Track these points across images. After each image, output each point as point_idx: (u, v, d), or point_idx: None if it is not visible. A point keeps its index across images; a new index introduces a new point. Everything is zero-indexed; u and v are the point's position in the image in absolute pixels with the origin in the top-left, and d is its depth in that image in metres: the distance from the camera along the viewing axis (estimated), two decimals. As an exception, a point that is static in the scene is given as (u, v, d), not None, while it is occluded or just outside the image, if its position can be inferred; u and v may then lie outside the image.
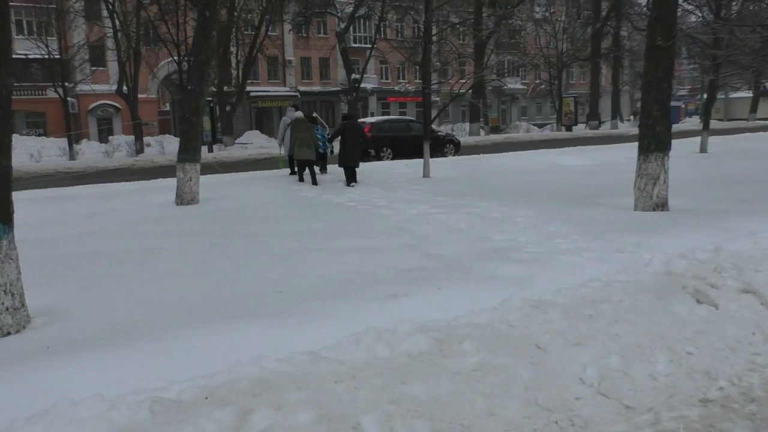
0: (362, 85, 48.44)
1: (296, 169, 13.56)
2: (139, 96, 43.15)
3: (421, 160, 13.99)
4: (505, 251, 6.11)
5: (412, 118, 31.68)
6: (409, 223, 8.02)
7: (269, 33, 43.02)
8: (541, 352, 3.62)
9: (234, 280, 5.39)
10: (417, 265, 5.77)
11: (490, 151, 22.65)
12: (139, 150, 31.61)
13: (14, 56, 29.00)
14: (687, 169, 13.43)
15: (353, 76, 38.13)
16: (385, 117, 32.89)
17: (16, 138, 31.82)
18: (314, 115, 15.35)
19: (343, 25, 38.32)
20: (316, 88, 48.94)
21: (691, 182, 11.17)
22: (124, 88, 31.90)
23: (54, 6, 36.10)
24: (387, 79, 51.72)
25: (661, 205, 8.37)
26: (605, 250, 5.96)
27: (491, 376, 3.31)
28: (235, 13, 33.30)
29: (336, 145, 14.09)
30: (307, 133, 13.14)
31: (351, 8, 37.36)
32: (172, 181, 12.08)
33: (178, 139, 12.12)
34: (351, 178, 13.06)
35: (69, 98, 41.16)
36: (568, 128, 39.34)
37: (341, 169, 13.23)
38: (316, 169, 13.50)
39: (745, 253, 5.50)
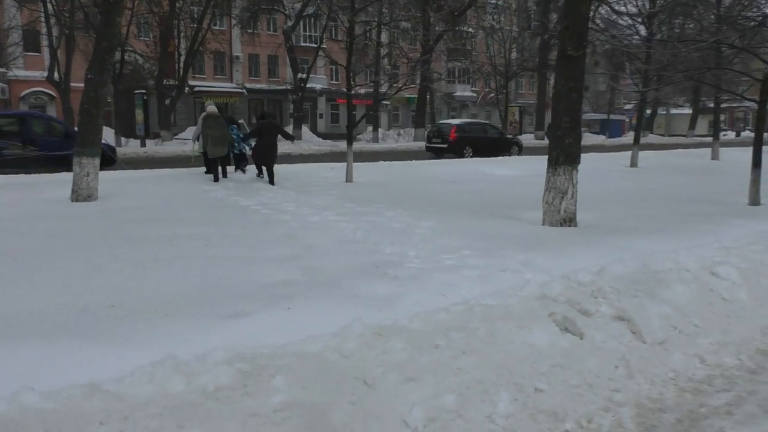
0: (311, 85, 47.89)
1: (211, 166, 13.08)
2: (78, 85, 41.77)
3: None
4: (387, 266, 5.69)
5: (488, 122, 33.34)
6: (304, 231, 7.55)
7: (215, 27, 42.08)
8: (366, 389, 3.19)
9: (73, 290, 4.82)
10: (286, 279, 5.29)
11: (423, 158, 22.42)
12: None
13: None
14: (611, 183, 13.38)
15: (299, 75, 37.50)
16: (467, 120, 33.25)
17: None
18: (240, 121, 15.13)
19: (290, 23, 37.65)
20: (263, 85, 48.01)
21: (610, 196, 11.03)
22: (56, 75, 30.53)
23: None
24: (337, 80, 51.13)
25: (569, 220, 8.10)
26: (490, 268, 5.60)
27: (295, 418, 2.85)
28: (178, 4, 32.37)
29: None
30: (219, 130, 12.78)
31: (299, 6, 36.74)
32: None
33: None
34: (270, 178, 12.88)
35: (0, 83, 39.44)
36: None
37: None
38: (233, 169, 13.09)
39: (630, 275, 5.21)
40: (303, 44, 46.12)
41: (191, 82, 45.23)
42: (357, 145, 34.82)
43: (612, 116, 47.28)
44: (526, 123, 53.42)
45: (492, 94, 46.99)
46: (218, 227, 7.77)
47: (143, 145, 29.25)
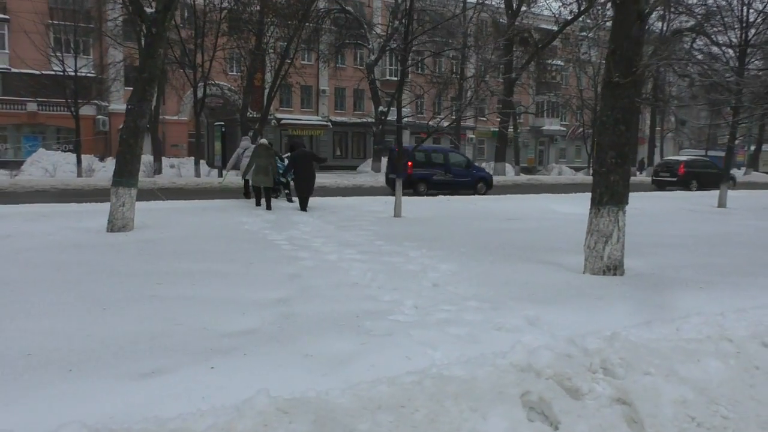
0: (394, 118, 47.92)
1: (252, 193, 14.03)
2: (170, 118, 43.78)
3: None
4: (370, 317, 4.99)
5: (708, 159, 33.55)
6: (312, 271, 6.96)
7: (303, 62, 43.05)
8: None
9: (7, 333, 4.42)
10: (248, 328, 4.70)
11: (505, 192, 21.53)
12: (157, 171, 31.46)
13: (49, 72, 29.43)
14: (687, 225, 12.03)
15: (380, 108, 37.46)
16: (695, 156, 35.56)
17: (41, 152, 32.10)
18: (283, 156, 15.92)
19: (373, 57, 37.87)
20: (348, 118, 48.51)
21: (680, 240, 9.79)
22: (147, 108, 31.82)
23: (92, 26, 36.86)
24: (422, 113, 50.87)
25: (614, 268, 7.08)
26: (485, 325, 4.78)
27: None
28: (264, 39, 33.18)
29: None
30: (267, 160, 13.06)
31: (382, 40, 36.91)
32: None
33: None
34: (303, 205, 13.46)
35: (101, 116, 41.92)
36: (599, 173, 37.69)
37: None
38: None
39: (651, 343, 4.25)
40: (390, 78, 46.35)
41: (278, 115, 46.51)
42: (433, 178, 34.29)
43: (712, 152, 44.24)
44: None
45: (581, 129, 45.18)
46: (227, 263, 7.32)
47: (220, 175, 29.91)
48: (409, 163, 21.67)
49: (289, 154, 15.27)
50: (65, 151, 38.24)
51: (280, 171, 14.30)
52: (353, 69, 47.17)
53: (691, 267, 7.43)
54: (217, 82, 35.75)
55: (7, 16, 38.16)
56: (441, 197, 17.29)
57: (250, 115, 36.42)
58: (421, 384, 3.38)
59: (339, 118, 48.19)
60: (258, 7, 30.77)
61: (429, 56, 33.06)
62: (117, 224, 10.15)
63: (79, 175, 27.62)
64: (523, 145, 52.79)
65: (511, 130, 40.30)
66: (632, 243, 8.99)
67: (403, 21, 31.54)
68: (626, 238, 9.67)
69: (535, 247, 8.74)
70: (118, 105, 41.33)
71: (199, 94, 30.52)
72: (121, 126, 38.69)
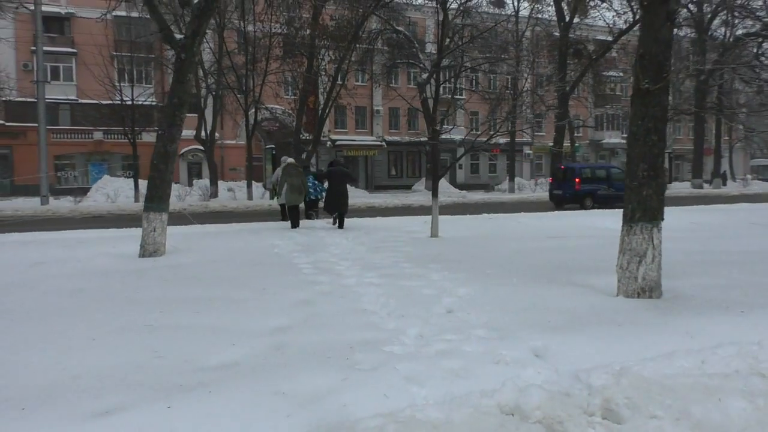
0: (450, 137, 47.52)
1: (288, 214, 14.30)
2: (228, 142, 44.77)
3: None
4: (365, 347, 4.66)
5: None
6: (324, 297, 6.69)
7: (357, 83, 43.37)
8: None
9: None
10: (231, 360, 4.45)
11: (550, 209, 20.84)
12: (213, 194, 32.08)
13: (111, 102, 30.51)
14: (744, 241, 11.21)
15: (433, 126, 37.17)
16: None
17: (106, 179, 33.22)
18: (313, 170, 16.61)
19: (425, 76, 37.65)
20: (402, 138, 48.41)
21: (733, 258, 9.03)
22: (203, 134, 32.59)
23: (153, 56, 38.20)
24: (477, 131, 50.30)
25: (649, 290, 6.50)
26: (485, 357, 4.37)
27: None
28: (316, 63, 33.48)
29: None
30: (298, 178, 14.02)
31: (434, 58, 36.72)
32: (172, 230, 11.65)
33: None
34: (340, 224, 13.78)
35: (162, 143, 43.09)
36: (661, 186, 36.16)
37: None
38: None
39: (667, 379, 3.76)
40: (442, 95, 45.95)
41: (333, 136, 46.89)
42: (487, 195, 33.68)
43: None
44: (685, 170, 49.06)
45: (643, 141, 43.50)
46: (240, 289, 7.14)
47: (271, 198, 30.18)
48: (577, 180, 24.34)
49: (317, 170, 15.74)
50: (128, 177, 39.54)
51: (312, 188, 14.96)
52: (407, 88, 47.17)
53: (739, 288, 6.76)
54: (269, 105, 36.35)
55: (74, 50, 39.99)
56: (484, 215, 16.82)
57: (304, 137, 36.82)
58: (383, 429, 3.03)
59: (393, 138, 48.16)
60: (309, 31, 31.08)
61: (462, 71, 32.62)
62: (149, 249, 10.19)
63: (136, 200, 28.39)
64: (583, 159, 51.44)
65: (568, 144, 39.30)
66: (678, 261, 8.39)
67: (451, 37, 31.30)
68: (672, 256, 9.05)
69: (569, 268, 8.21)
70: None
71: (253, 118, 31.06)
72: (182, 151, 39.67)
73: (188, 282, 7.66)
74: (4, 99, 38.06)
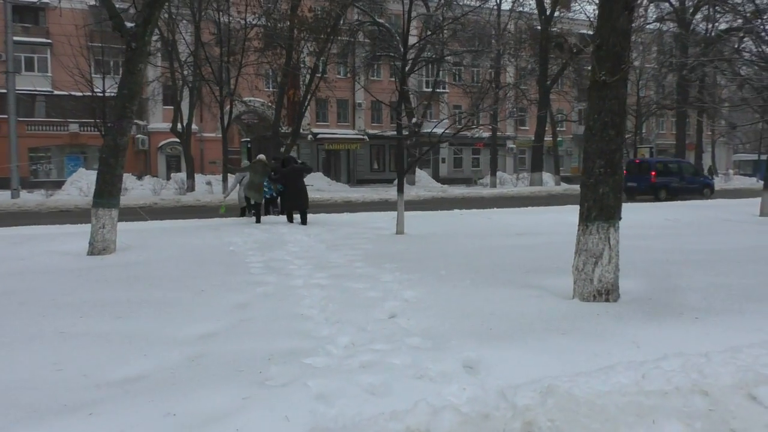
0: (430, 131, 47.19)
1: (252, 210, 14.62)
2: (208, 135, 44.12)
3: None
4: (283, 359, 4.30)
5: None
6: (262, 300, 6.32)
7: (338, 76, 42.91)
8: None
9: None
10: (135, 374, 4.08)
11: (530, 204, 20.55)
12: (190, 188, 31.55)
13: (87, 94, 29.82)
14: (717, 238, 10.93)
15: (413, 120, 36.78)
16: None
17: (81, 172, 32.53)
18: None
19: (407, 69, 37.22)
20: (384, 131, 48.00)
21: (700, 256, 8.74)
22: (179, 126, 32.01)
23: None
24: (460, 124, 49.93)
25: (606, 293, 6.18)
26: (410, 370, 4.02)
27: None
28: (295, 56, 32.93)
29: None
30: (262, 177, 14.39)
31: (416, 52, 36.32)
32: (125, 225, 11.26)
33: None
34: (303, 220, 13.61)
35: (140, 135, 42.55)
36: (642, 181, 35.96)
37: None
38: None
39: (600, 398, 3.43)
40: (426, 89, 45.70)
41: (314, 130, 46.39)
42: (468, 190, 33.37)
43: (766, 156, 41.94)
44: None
45: (628, 136, 43.39)
46: (179, 290, 6.75)
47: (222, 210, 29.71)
48: (653, 173, 25.99)
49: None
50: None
51: (266, 189, 14.92)
52: (389, 81, 46.75)
53: (699, 290, 6.45)
54: (247, 98, 35.83)
55: (49, 41, 39.19)
56: (456, 211, 16.49)
57: (285, 130, 36.35)
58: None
59: (376, 131, 47.69)
60: (287, 23, 30.53)
61: (442, 63, 32.38)
62: (97, 247, 9.76)
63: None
64: (567, 153, 51.31)
65: (550, 138, 39.09)
66: (643, 260, 8.11)
67: (432, 30, 30.92)
68: (637, 255, 8.77)
69: (529, 268, 7.88)
70: (157, 124, 42.00)
71: (228, 111, 30.52)
72: (160, 144, 39.15)
73: (126, 283, 7.26)
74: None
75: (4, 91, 31.61)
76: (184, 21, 31.87)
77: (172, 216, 16.63)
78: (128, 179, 33.47)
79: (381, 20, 37.59)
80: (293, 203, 13.83)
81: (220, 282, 7.20)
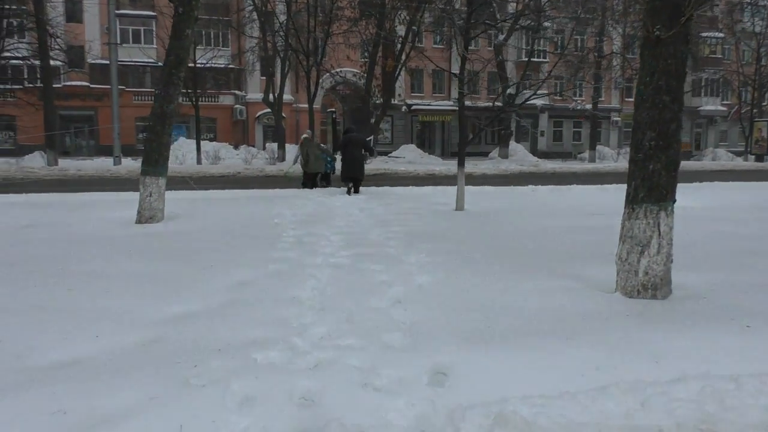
0: (531, 102, 45.27)
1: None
2: (303, 106, 44.46)
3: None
4: (233, 351, 3.83)
5: None
6: (268, 279, 5.88)
7: (435, 45, 42.00)
8: None
9: None
10: (69, 359, 3.75)
11: (622, 180, 19.01)
12: (281, 158, 31.91)
13: (195, 65, 30.73)
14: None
15: (508, 90, 35.28)
16: None
17: (181, 141, 33.74)
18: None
19: (501, 37, 35.83)
20: (480, 102, 46.56)
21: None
22: (270, 96, 32.32)
23: (229, 19, 38.24)
24: (561, 96, 47.56)
25: (653, 288, 5.25)
26: (363, 376, 3.42)
27: None
28: (387, 24, 32.32)
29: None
30: (313, 151, 15.09)
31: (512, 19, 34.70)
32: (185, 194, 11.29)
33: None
34: (355, 189, 13.90)
35: (238, 105, 43.61)
36: (759, 158, 32.67)
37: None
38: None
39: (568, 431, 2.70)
40: (524, 59, 43.79)
41: (408, 101, 45.75)
42: (561, 165, 31.64)
43: None
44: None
45: (745, 108, 39.77)
46: (187, 264, 6.48)
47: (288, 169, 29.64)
48: None
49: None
50: (211, 140, 40.10)
51: (328, 159, 15.60)
52: (488, 51, 45.12)
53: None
54: (338, 69, 35.72)
55: (153, 13, 40.63)
56: (530, 187, 15.45)
57: (377, 101, 36.04)
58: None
59: (472, 103, 46.31)
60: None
61: (539, 31, 30.60)
62: (144, 215, 9.74)
63: (199, 162, 28.58)
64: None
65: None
66: (722, 249, 7.07)
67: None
68: (719, 242, 7.65)
69: (580, 254, 6.98)
70: (255, 94, 42.78)
71: (315, 81, 30.46)
72: (257, 114, 39.93)
73: (147, 254, 7.06)
74: (89, 62, 39.33)
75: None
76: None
77: (252, 185, 16.61)
78: (223, 148, 34.40)
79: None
80: (347, 172, 14.04)
81: (238, 256, 6.85)
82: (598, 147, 36.92)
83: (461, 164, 11.57)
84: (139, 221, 9.71)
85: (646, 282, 5.29)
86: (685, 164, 29.30)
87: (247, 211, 10.49)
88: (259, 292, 5.33)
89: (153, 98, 9.95)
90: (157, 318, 4.59)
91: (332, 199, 12.41)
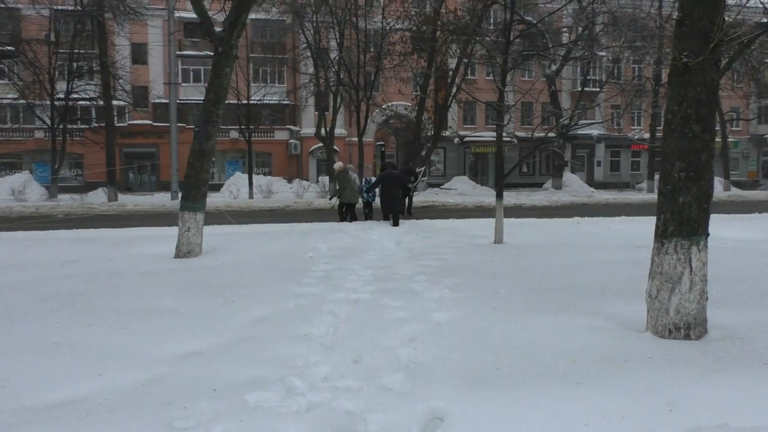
0: (586, 132, 44.47)
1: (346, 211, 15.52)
2: (355, 139, 44.96)
3: None
4: (224, 391, 3.74)
5: None
6: (283, 315, 5.81)
7: (487, 77, 41.95)
8: None
9: None
10: (64, 399, 3.73)
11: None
12: (332, 191, 32.22)
13: (249, 102, 31.64)
14: None
15: (562, 120, 34.74)
16: None
17: (237, 176, 34.50)
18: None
19: (554, 68, 35.56)
20: (534, 134, 45.99)
21: None
22: (322, 131, 32.81)
23: (284, 57, 39.28)
24: (619, 125, 46.58)
25: (686, 327, 4.91)
26: (344, 421, 3.29)
27: None
28: (438, 58, 32.49)
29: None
30: (347, 182, 15.37)
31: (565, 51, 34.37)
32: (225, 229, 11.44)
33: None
34: (394, 221, 14.20)
35: (293, 140, 44.46)
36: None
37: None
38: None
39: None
40: (578, 89, 43.24)
41: (461, 132, 45.64)
42: (616, 195, 30.79)
43: None
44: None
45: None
46: (209, 299, 6.50)
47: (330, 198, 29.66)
48: None
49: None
50: (266, 175, 40.97)
51: (364, 191, 15.88)
52: (542, 83, 44.73)
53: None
54: (388, 103, 36.10)
55: (212, 53, 42.10)
56: (576, 218, 15.03)
57: (431, 134, 36.18)
58: None
59: (525, 134, 45.84)
60: (429, 27, 30.20)
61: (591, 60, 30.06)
62: (182, 250, 9.89)
63: (251, 196, 29.10)
64: (743, 156, 46.07)
65: (719, 140, 35.12)
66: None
67: (585, 25, 29.02)
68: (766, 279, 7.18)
69: (616, 290, 6.64)
70: (309, 129, 43.54)
71: (379, 116, 30.85)
72: (311, 148, 40.53)
73: (176, 289, 7.12)
74: (152, 102, 40.95)
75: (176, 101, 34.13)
76: (330, 27, 32.65)
77: (299, 218, 16.76)
78: (277, 182, 35.00)
79: (529, 18, 36.02)
80: (386, 208, 14.49)
81: (261, 291, 6.83)
82: (657, 176, 35.79)
83: (500, 196, 11.35)
84: (177, 256, 9.86)
85: (678, 321, 4.96)
86: (748, 194, 28.09)
87: (283, 246, 10.53)
88: (272, 329, 5.25)
89: (193, 135, 10.16)
90: (165, 356, 4.56)
91: (370, 231, 12.34)
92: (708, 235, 5.06)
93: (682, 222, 5.00)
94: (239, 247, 10.37)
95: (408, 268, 8.42)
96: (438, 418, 3.34)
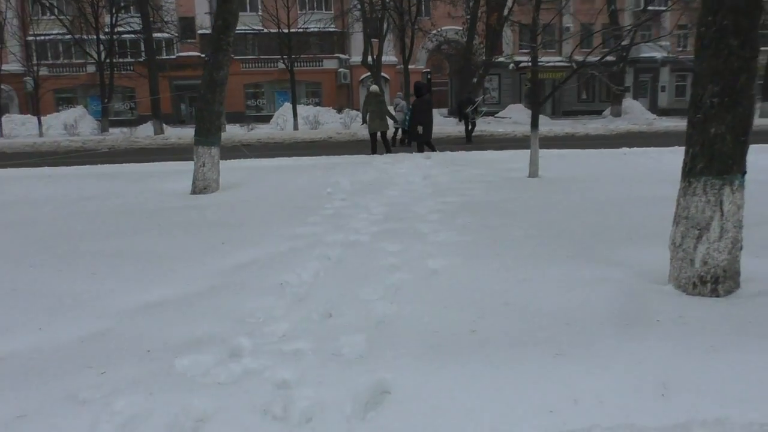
0: (650, 55, 41.77)
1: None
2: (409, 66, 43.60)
3: None
4: (156, 353, 3.35)
5: None
6: (271, 259, 5.38)
7: (545, -2, 39.56)
8: None
9: None
10: (3, 353, 3.42)
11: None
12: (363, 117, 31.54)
13: (295, 30, 30.93)
14: None
15: (622, 43, 32.54)
16: None
17: (286, 107, 34.13)
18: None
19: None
20: (594, 57, 43.51)
21: None
22: (369, 58, 31.82)
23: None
24: (685, 47, 43.48)
25: (713, 280, 4.22)
26: (269, 396, 2.84)
27: None
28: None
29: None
30: (377, 106, 14.27)
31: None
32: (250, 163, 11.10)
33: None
34: (430, 148, 14.03)
35: (342, 69, 43.54)
36: None
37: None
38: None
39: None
40: (637, 9, 40.51)
41: (516, 58, 43.62)
42: (679, 122, 28.84)
43: None
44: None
45: None
46: (202, 239, 6.17)
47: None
48: None
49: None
50: (315, 105, 40.47)
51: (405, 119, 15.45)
52: (602, 1, 41.92)
53: None
54: (439, 28, 34.67)
55: (259, -20, 41.02)
56: (624, 149, 13.99)
57: (483, 59, 34.78)
58: None
59: (582, 58, 43.36)
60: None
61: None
62: (198, 186, 9.59)
63: (295, 127, 28.70)
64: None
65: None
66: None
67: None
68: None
69: (651, 233, 5.84)
70: (358, 57, 42.42)
71: (431, 42, 29.63)
72: (361, 77, 39.66)
73: (173, 229, 6.81)
74: (198, 32, 40.53)
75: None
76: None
77: (337, 151, 16.30)
78: (326, 113, 34.44)
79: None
80: (418, 135, 13.93)
81: (259, 232, 6.43)
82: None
83: (535, 126, 10.51)
84: (193, 192, 9.58)
85: (704, 273, 4.25)
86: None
87: (304, 181, 10.10)
88: (250, 277, 4.84)
89: (203, 65, 9.66)
90: (122, 308, 4.21)
91: (397, 165, 11.73)
92: (745, 173, 4.27)
93: (713, 157, 4.22)
94: (259, 183, 10.02)
95: (425, 205, 7.85)
96: (386, 391, 2.86)
